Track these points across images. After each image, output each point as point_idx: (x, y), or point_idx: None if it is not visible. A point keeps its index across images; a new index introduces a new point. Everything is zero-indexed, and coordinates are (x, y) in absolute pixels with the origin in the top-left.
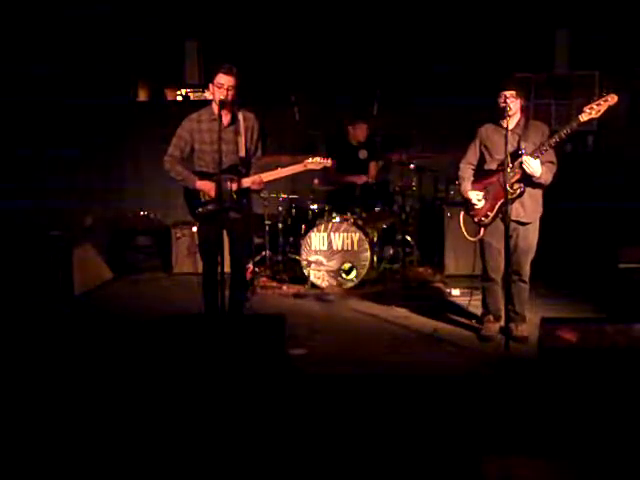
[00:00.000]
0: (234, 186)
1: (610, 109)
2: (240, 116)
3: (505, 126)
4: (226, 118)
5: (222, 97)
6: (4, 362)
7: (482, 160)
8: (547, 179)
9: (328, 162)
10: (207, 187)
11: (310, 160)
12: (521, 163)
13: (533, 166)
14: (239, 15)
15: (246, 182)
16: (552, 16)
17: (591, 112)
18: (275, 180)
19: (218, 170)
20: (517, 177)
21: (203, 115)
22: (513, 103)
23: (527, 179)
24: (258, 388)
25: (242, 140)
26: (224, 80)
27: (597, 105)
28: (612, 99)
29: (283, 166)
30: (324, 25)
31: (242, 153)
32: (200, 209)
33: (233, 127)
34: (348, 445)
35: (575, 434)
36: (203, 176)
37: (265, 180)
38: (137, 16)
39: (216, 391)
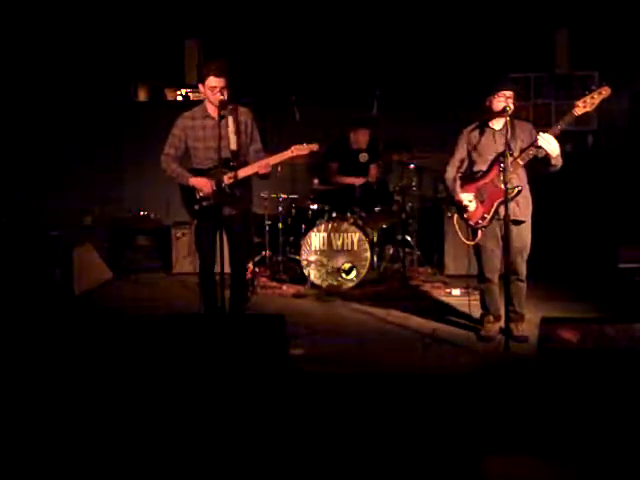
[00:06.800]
0: (227, 179)
1: (604, 101)
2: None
3: (499, 126)
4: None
5: (220, 98)
6: (4, 362)
7: (470, 162)
8: (559, 161)
9: (314, 147)
10: (201, 183)
11: (297, 146)
12: (521, 157)
13: (552, 143)
14: (239, 15)
15: (242, 173)
16: (552, 16)
17: (585, 105)
18: (274, 180)
19: (219, 165)
20: (514, 175)
21: (196, 113)
22: (513, 103)
23: (522, 179)
24: (258, 388)
25: (233, 133)
26: (215, 82)
27: (591, 98)
28: (605, 92)
29: (283, 167)
30: (323, 23)
31: (234, 146)
32: (196, 206)
33: (224, 122)
34: (348, 445)
35: (575, 434)
36: (198, 173)
37: (272, 163)
38: (137, 16)
39: (216, 391)
